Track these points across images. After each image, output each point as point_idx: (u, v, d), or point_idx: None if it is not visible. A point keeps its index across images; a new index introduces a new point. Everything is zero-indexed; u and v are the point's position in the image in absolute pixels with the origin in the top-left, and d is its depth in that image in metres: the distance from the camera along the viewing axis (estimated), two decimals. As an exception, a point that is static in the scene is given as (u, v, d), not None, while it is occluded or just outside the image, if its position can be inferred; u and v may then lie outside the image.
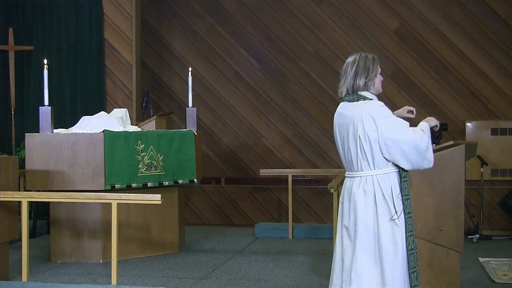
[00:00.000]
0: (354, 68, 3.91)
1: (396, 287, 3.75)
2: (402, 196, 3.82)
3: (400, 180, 3.84)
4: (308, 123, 9.35)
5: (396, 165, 3.83)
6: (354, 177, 3.87)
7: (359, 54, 3.96)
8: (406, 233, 3.80)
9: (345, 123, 3.88)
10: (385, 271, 3.76)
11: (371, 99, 3.87)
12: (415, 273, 3.84)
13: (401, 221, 3.80)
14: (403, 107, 4.18)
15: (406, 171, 3.85)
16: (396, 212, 3.77)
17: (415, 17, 9.09)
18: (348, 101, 3.91)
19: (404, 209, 3.81)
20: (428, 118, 4.02)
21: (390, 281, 3.75)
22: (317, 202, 9.31)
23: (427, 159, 3.81)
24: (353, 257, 3.82)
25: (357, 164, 3.84)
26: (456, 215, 5.24)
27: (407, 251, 3.81)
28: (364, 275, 3.78)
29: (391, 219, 3.76)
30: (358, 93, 3.89)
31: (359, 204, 3.82)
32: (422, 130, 3.83)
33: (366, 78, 3.87)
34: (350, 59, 3.95)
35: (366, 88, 3.89)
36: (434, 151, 5.26)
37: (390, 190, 3.79)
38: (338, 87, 3.97)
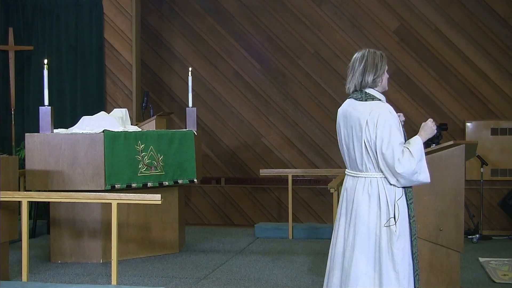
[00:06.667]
0: (362, 64, 3.81)
1: None
2: (406, 200, 3.79)
3: None
4: (308, 123, 9.35)
5: None
6: (359, 177, 3.81)
7: (367, 50, 3.87)
8: (411, 237, 3.78)
9: (351, 122, 3.81)
10: (383, 275, 3.71)
11: (379, 99, 3.81)
12: (417, 276, 3.83)
13: (401, 227, 3.74)
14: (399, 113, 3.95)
15: None
16: (393, 217, 3.72)
17: (415, 17, 9.09)
18: (356, 99, 3.83)
19: (409, 213, 3.79)
20: (422, 126, 3.90)
21: (388, 284, 3.70)
22: (317, 202, 9.31)
23: (416, 181, 3.76)
24: (352, 260, 3.77)
25: (362, 164, 3.79)
26: (456, 215, 5.24)
27: (412, 255, 3.78)
28: (360, 279, 3.74)
29: (386, 225, 3.72)
30: (366, 90, 3.82)
31: (363, 206, 3.77)
32: (410, 153, 3.71)
33: (374, 75, 3.80)
34: (358, 55, 3.86)
35: (374, 85, 3.82)
36: (434, 151, 5.28)
37: (394, 195, 3.76)
38: (345, 83, 3.90)
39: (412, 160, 3.69)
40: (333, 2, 9.27)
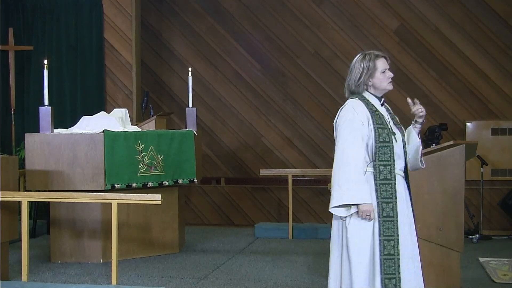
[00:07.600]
0: (350, 70, 3.94)
1: (345, 284, 3.85)
2: (378, 198, 3.79)
3: (376, 182, 3.80)
4: (308, 123, 9.35)
5: (372, 167, 3.80)
6: None
7: (360, 54, 3.94)
8: (379, 236, 3.79)
9: None
10: (343, 266, 3.87)
11: (356, 98, 3.88)
12: (394, 280, 3.80)
13: (355, 222, 3.79)
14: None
15: (389, 172, 3.79)
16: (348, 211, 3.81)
17: (415, 17, 9.09)
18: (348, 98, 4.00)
19: (379, 212, 3.79)
20: (361, 207, 3.77)
21: (344, 277, 3.85)
22: (317, 202, 9.31)
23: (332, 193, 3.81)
24: (330, 252, 3.99)
25: None
26: (456, 215, 5.24)
27: (381, 255, 3.79)
28: (332, 272, 3.96)
29: (343, 218, 3.84)
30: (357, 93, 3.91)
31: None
32: (348, 170, 3.75)
33: (358, 81, 3.87)
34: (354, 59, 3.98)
35: (358, 90, 3.88)
36: (434, 151, 5.28)
37: None
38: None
39: (344, 170, 3.74)
40: (333, 1, 9.27)
